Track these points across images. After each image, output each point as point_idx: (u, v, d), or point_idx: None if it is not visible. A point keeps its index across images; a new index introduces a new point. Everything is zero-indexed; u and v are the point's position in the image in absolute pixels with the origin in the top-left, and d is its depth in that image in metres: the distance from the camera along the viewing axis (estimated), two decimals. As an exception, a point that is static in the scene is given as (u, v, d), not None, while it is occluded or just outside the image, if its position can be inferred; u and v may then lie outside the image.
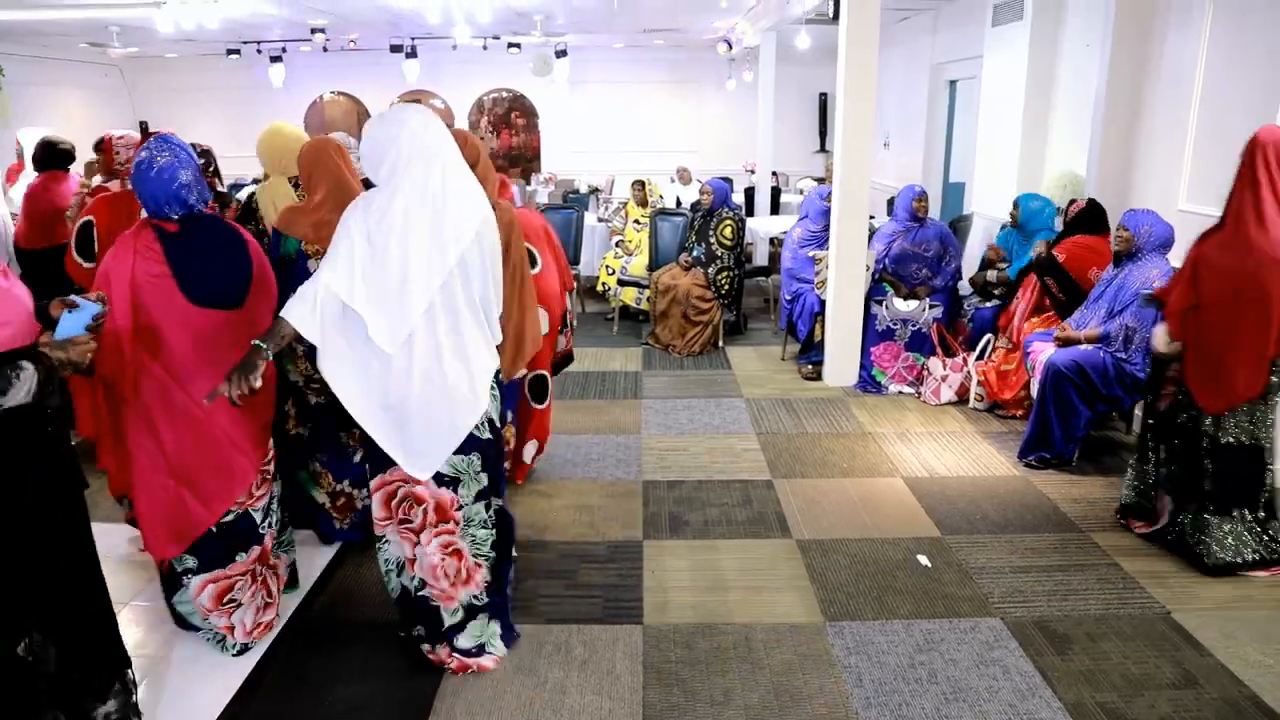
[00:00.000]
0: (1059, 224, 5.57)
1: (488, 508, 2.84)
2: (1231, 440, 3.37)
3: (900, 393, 5.76)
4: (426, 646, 2.93)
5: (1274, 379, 3.31)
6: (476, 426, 2.68)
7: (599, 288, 7.87)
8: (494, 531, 2.88)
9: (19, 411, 2.03)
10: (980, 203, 7.58)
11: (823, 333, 5.99)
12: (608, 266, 7.77)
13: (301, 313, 2.46)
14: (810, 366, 6.11)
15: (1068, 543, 3.75)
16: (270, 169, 3.81)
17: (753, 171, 11.40)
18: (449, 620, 2.89)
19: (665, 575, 3.51)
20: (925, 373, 5.65)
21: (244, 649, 3.03)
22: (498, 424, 2.79)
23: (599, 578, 3.50)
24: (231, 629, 3.01)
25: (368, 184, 2.92)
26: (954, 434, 5.04)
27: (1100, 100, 5.21)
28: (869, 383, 5.83)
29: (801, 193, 10.74)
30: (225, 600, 2.98)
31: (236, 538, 2.95)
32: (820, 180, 11.65)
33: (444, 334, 2.55)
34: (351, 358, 2.53)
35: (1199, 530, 3.50)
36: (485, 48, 11.93)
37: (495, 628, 2.99)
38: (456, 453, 2.68)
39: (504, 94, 16.26)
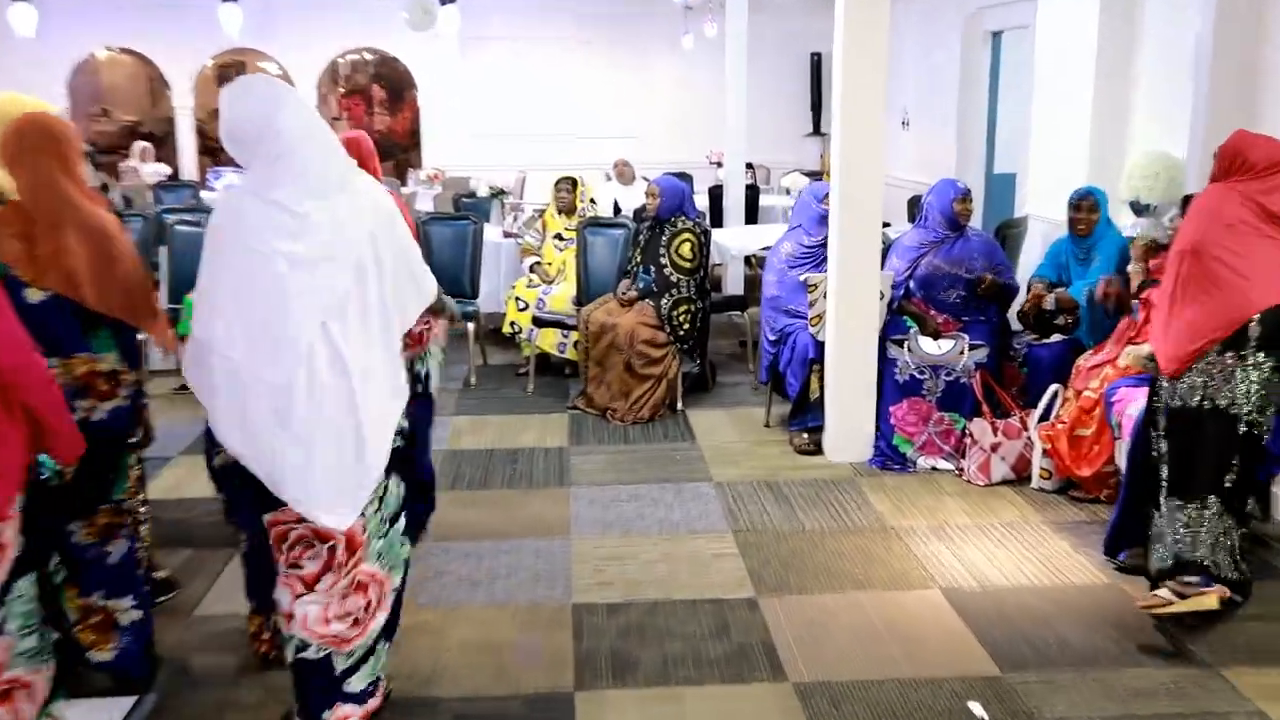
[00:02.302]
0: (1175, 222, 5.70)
1: (395, 519, 3.36)
2: (1179, 404, 4.14)
3: (934, 469, 5.83)
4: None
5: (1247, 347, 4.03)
6: None
7: (506, 329, 7.87)
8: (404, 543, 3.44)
9: None
10: (1038, 202, 7.75)
11: (821, 387, 6.05)
12: (518, 299, 7.77)
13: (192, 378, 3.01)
14: (806, 435, 6.16)
15: (1186, 681, 3.78)
16: None
17: (720, 164, 11.56)
18: (340, 666, 3.26)
19: (607, 741, 3.47)
20: (968, 440, 5.72)
21: None
22: (404, 429, 3.36)
23: (511, 748, 3.44)
24: None
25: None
26: (1011, 526, 5.10)
27: (1204, 53, 5.36)
28: (889, 456, 5.89)
29: (789, 193, 10.92)
30: None
31: None
32: (815, 175, 11.85)
33: (344, 352, 3.01)
34: (234, 396, 2.96)
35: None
36: (339, -9, 12.03)
37: (385, 650, 3.43)
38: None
39: (365, 56, 16.24)
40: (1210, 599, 4.01)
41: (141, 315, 3.70)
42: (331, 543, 3.16)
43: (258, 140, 3.00)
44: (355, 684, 3.31)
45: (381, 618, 3.35)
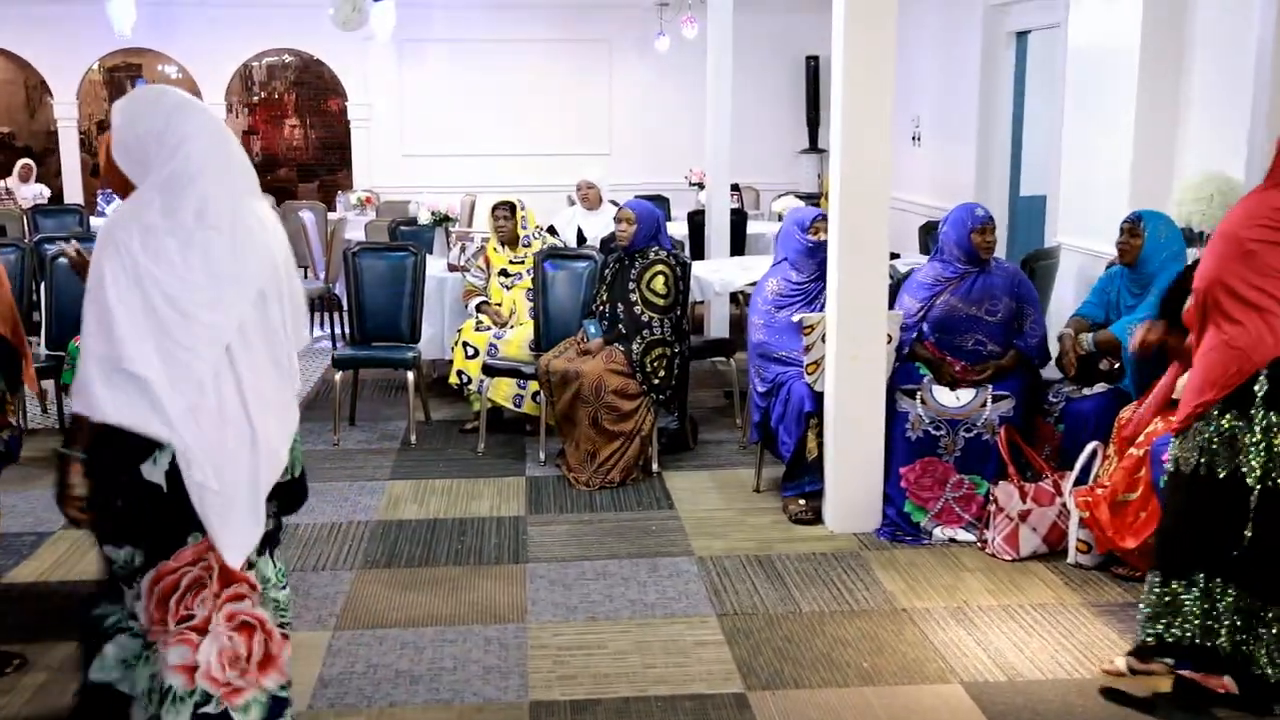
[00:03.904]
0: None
1: (274, 558, 3.56)
2: (1172, 468, 4.31)
3: (952, 541, 5.87)
4: None
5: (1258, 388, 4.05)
6: None
7: (453, 379, 7.89)
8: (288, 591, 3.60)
9: None
10: (1071, 228, 7.83)
11: (820, 446, 6.11)
12: (466, 345, 7.80)
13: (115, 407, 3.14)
14: (802, 501, 6.19)
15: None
16: None
17: (701, 186, 11.65)
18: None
19: None
20: (991, 508, 5.77)
21: None
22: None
23: None
24: None
25: None
26: (1045, 609, 5.12)
27: (1265, 58, 5.42)
28: (900, 526, 5.94)
29: (781, 219, 11.01)
30: None
31: None
32: (812, 198, 11.95)
33: (246, 382, 3.27)
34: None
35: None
36: (254, -15, 12.12)
37: None
38: None
39: (284, 59, 16.28)
40: (1162, 681, 4.22)
41: (19, 337, 3.81)
42: (212, 571, 3.36)
43: (158, 156, 3.24)
44: None
45: (272, 679, 3.46)
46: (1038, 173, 9.87)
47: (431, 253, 9.48)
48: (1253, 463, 4.05)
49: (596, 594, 5.32)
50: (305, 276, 11.49)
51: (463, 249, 9.24)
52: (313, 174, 18.51)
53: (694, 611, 5.13)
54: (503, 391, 7.63)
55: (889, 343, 5.93)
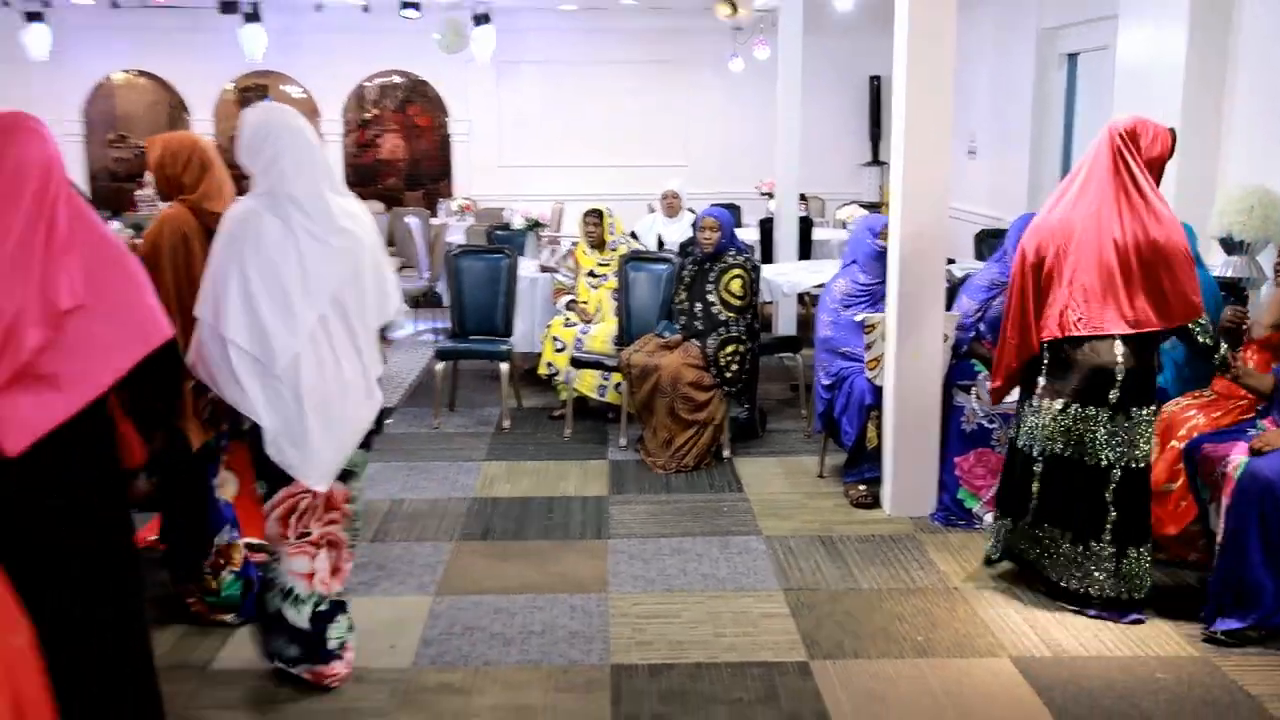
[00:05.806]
0: (1269, 267, 5.66)
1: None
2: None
3: (1002, 526, 5.81)
4: (303, 668, 4.11)
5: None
6: None
7: (542, 370, 7.94)
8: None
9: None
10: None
11: (879, 436, 6.07)
12: (555, 339, 7.85)
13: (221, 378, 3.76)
14: (863, 487, 6.17)
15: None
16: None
17: (770, 195, 11.61)
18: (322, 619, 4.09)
19: (647, 813, 3.49)
20: (1039, 495, 5.70)
21: None
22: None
23: (543, 818, 3.47)
24: None
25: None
26: (1086, 588, 5.07)
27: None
28: (953, 511, 5.90)
29: (845, 226, 10.96)
30: None
31: None
32: (873, 207, 11.89)
33: (339, 338, 3.86)
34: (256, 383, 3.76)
35: None
36: (367, 9, 12.23)
37: (346, 621, 4.22)
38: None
39: (396, 80, 16.42)
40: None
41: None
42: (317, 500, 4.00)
43: (256, 163, 3.84)
44: (330, 641, 4.13)
45: (337, 587, 4.15)
46: (1086, 185, 9.76)
47: (524, 255, 9.54)
48: (1034, 436, 4.84)
49: (672, 568, 5.34)
50: (408, 276, 11.60)
51: (552, 252, 9.30)
52: (418, 183, 18.66)
53: (762, 586, 5.14)
54: (588, 382, 7.66)
55: (945, 342, 5.88)
